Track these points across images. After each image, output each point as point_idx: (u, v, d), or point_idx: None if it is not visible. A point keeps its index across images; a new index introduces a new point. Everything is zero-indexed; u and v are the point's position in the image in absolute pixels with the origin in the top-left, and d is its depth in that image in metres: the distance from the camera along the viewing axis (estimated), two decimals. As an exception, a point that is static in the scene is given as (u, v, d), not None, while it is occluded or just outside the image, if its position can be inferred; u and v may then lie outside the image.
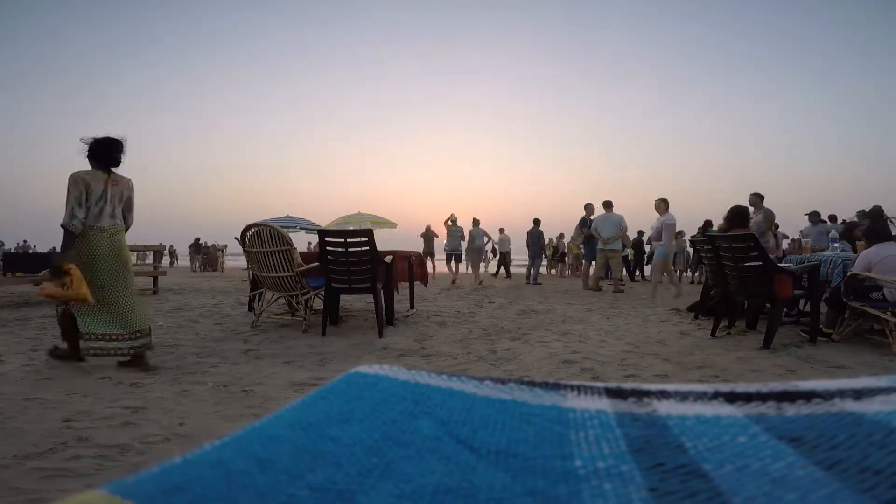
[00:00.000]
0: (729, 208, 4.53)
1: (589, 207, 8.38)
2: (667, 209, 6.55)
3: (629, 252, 11.09)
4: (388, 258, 3.80)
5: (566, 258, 13.75)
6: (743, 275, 3.27)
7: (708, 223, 8.14)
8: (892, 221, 3.47)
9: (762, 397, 0.30)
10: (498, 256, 12.78)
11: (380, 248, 3.58)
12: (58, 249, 2.45)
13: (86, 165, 2.51)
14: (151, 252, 8.08)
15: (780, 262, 4.03)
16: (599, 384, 0.35)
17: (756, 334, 3.58)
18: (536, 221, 9.89)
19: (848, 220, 7.19)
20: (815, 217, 7.48)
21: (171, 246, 21.01)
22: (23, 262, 6.44)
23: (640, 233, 11.70)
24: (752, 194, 5.81)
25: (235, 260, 21.42)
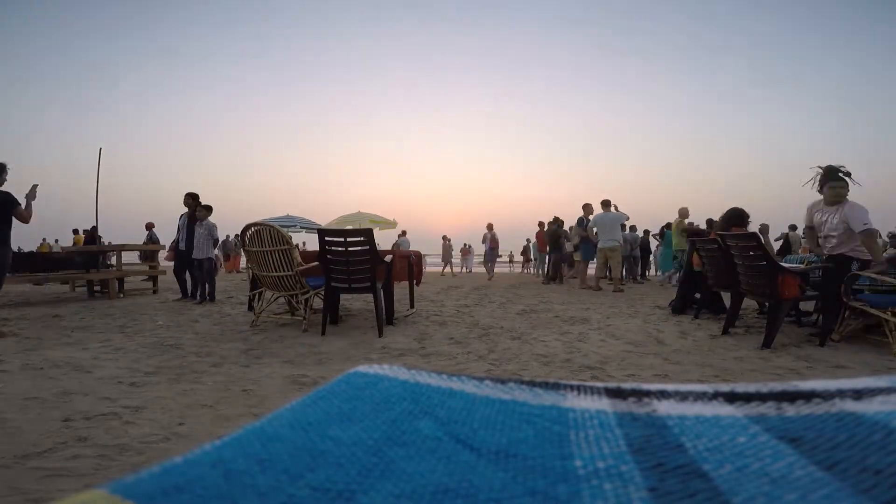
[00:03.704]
0: (727, 210, 4.54)
1: (587, 208, 8.39)
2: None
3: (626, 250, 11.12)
4: (388, 258, 3.80)
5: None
6: (750, 273, 3.28)
7: (710, 222, 8.29)
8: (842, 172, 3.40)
9: (762, 397, 0.30)
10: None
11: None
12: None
13: None
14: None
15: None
16: (599, 384, 0.35)
17: (756, 334, 3.58)
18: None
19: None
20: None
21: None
22: (24, 261, 6.43)
23: (647, 232, 11.71)
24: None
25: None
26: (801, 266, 3.53)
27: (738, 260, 3.40)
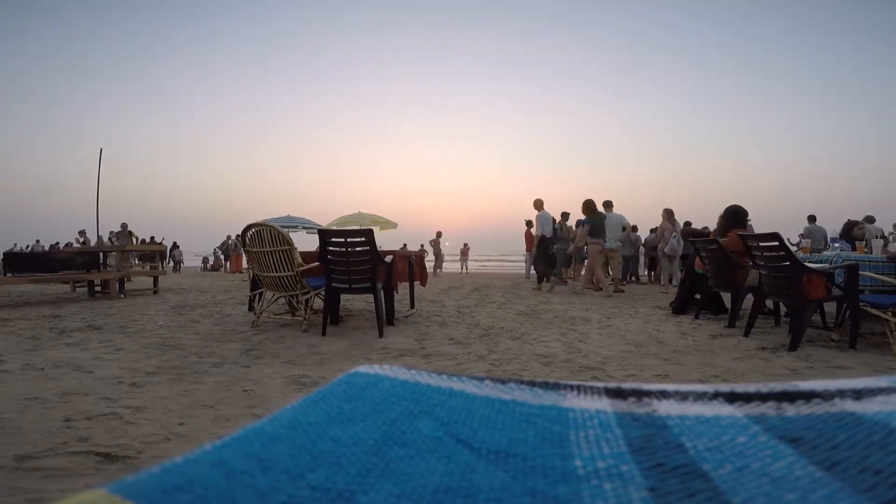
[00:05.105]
0: (725, 208, 4.54)
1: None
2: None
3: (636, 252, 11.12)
4: (388, 258, 3.80)
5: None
6: (773, 274, 3.24)
7: (687, 223, 8.45)
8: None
9: (762, 397, 0.30)
10: None
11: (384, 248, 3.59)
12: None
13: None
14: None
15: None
16: (599, 384, 0.35)
17: (755, 334, 3.58)
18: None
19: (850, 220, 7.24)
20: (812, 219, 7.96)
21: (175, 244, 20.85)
22: (24, 261, 6.43)
23: (653, 230, 11.68)
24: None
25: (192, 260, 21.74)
26: (827, 266, 3.46)
27: (760, 261, 3.34)
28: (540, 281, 9.81)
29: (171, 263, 19.59)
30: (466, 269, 16.88)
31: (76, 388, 2.10)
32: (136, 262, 11.62)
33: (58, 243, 18.08)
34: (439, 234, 14.31)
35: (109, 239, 10.74)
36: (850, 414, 0.26)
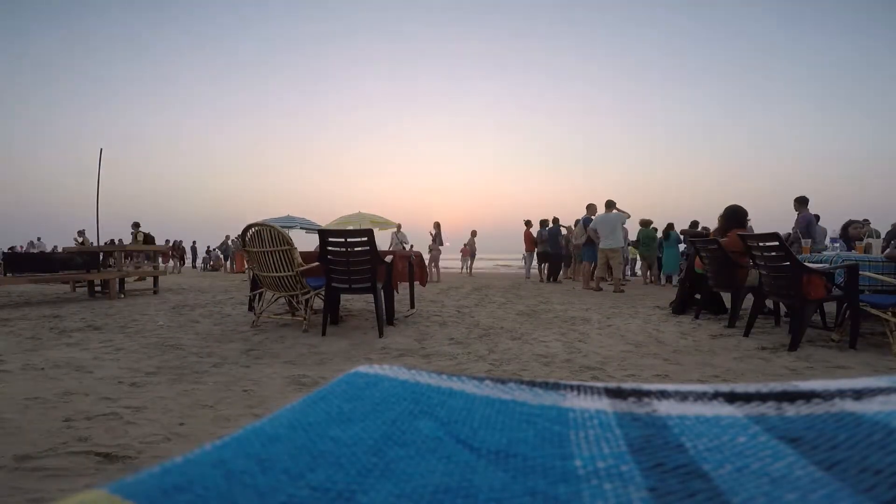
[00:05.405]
0: (725, 208, 4.54)
1: (591, 208, 8.41)
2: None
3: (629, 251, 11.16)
4: (389, 258, 3.80)
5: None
6: (772, 274, 3.24)
7: (694, 223, 8.44)
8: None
9: (762, 397, 0.30)
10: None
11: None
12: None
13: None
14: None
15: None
16: (599, 384, 0.35)
17: (755, 334, 3.58)
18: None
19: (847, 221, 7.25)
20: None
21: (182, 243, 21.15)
22: (24, 261, 6.43)
23: (655, 229, 11.71)
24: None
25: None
26: (827, 266, 3.45)
27: (759, 261, 3.34)
28: (550, 278, 10.06)
29: (190, 259, 20.59)
30: (468, 269, 16.83)
31: (76, 388, 2.10)
32: (145, 261, 11.60)
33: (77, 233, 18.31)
34: (474, 233, 14.61)
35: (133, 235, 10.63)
36: (850, 414, 0.26)
